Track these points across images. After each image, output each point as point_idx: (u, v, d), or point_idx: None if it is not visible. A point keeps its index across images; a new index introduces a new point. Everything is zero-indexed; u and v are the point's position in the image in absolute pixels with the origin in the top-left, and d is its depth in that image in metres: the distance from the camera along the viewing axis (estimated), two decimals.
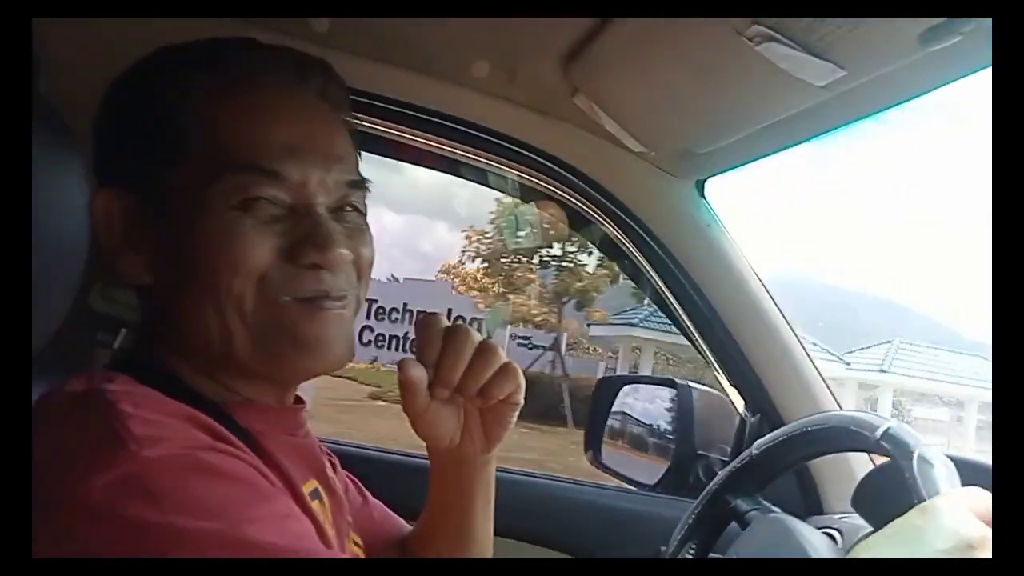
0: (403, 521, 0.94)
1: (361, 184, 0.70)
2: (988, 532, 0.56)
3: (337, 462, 0.87)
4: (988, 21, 0.62)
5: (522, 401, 0.75)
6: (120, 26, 0.88)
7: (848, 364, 16.77)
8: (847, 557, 0.59)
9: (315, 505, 0.68)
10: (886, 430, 0.77)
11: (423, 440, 0.79)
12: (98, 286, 1.00)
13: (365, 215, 0.72)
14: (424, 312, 0.76)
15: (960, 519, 0.57)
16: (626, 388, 1.57)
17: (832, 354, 16.31)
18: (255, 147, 0.64)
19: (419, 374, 0.69)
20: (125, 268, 0.66)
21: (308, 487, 0.69)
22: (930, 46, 0.68)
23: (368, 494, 0.92)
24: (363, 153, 0.76)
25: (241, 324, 0.63)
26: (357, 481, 0.92)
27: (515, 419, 0.77)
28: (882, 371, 16.56)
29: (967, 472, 0.67)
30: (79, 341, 0.78)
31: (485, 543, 0.86)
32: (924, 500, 0.66)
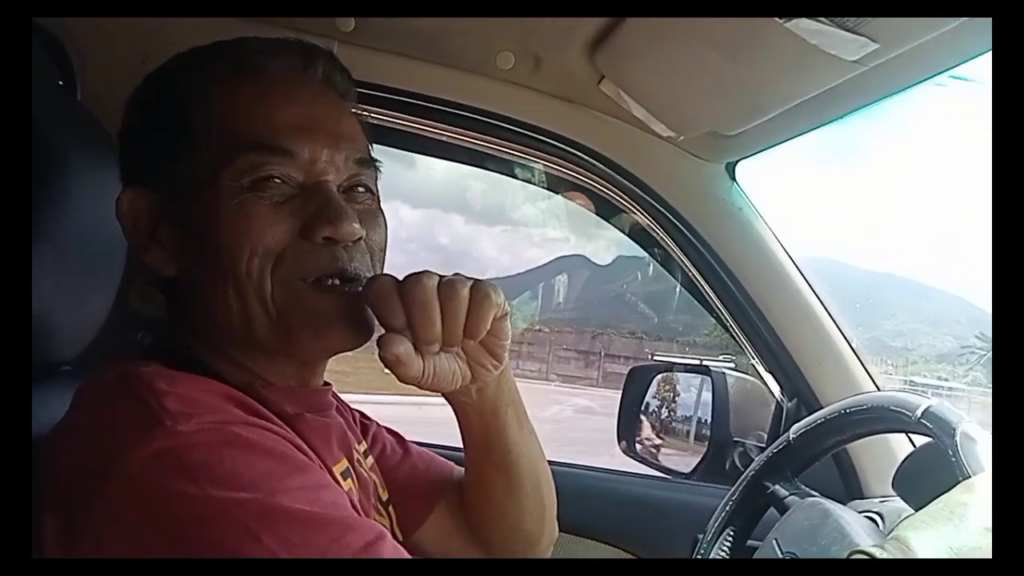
0: (452, 464, 0.92)
1: (370, 162, 0.71)
2: None
3: (373, 424, 0.89)
4: None
5: (507, 314, 0.69)
6: (156, 31, 0.90)
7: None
8: (890, 538, 0.58)
9: (347, 484, 0.70)
10: (927, 409, 0.76)
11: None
12: (137, 286, 1.01)
13: (377, 196, 0.72)
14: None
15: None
16: (659, 377, 1.57)
17: None
18: (265, 127, 0.65)
19: (403, 348, 0.65)
20: (151, 262, 0.68)
21: (339, 467, 0.70)
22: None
23: (410, 445, 0.92)
24: (391, 148, 0.77)
25: (260, 306, 0.64)
26: (398, 433, 0.92)
27: (509, 331, 0.72)
28: None
29: None
30: (119, 341, 0.79)
31: (536, 458, 0.85)
32: (967, 475, 0.66)
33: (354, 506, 0.65)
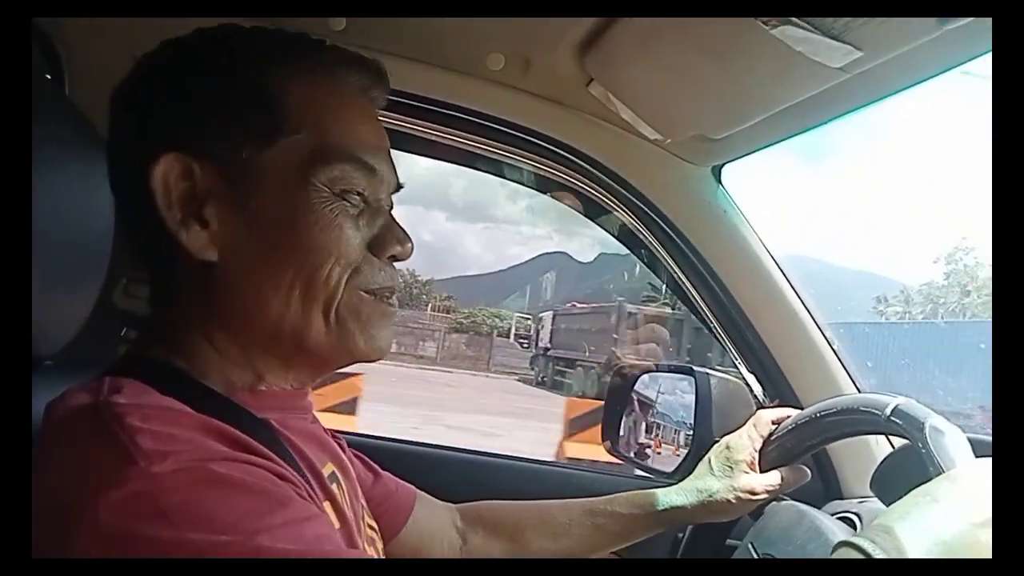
0: (414, 488, 0.97)
1: (399, 187, 0.73)
2: None
3: (344, 443, 0.88)
4: None
5: None
6: (147, 26, 0.89)
7: None
8: (875, 525, 0.58)
9: (335, 488, 0.69)
10: (895, 407, 0.77)
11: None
12: (121, 283, 1.01)
13: None
14: None
15: (988, 490, 0.57)
16: (644, 377, 1.57)
17: None
18: (354, 141, 0.67)
19: None
20: (189, 242, 0.62)
21: (326, 470, 0.70)
22: (947, 24, 0.68)
23: (377, 468, 0.94)
24: None
25: (324, 311, 0.64)
26: (364, 457, 0.93)
27: None
28: None
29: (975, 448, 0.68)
30: (102, 338, 0.79)
31: None
32: (939, 468, 0.67)
33: (342, 514, 0.67)
